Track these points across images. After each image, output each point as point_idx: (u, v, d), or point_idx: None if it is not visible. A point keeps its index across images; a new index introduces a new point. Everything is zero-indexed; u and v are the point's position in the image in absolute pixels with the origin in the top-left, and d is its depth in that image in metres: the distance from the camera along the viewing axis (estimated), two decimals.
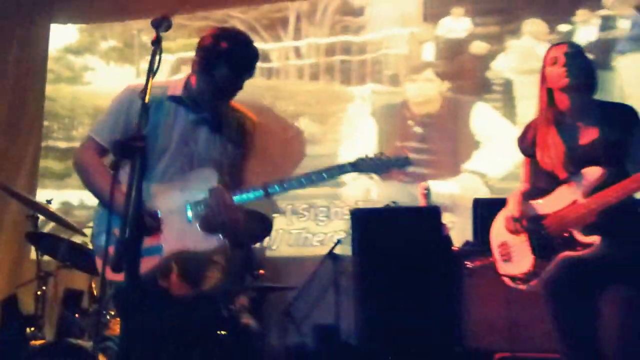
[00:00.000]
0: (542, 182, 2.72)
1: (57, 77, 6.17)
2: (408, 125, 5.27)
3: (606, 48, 4.91)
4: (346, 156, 4.99)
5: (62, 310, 4.60)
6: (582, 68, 2.63)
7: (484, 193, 4.95)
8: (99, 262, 2.41)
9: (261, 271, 4.45)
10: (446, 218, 4.66)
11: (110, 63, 6.09)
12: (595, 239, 2.48)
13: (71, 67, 6.18)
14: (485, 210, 3.98)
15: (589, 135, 2.59)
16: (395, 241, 3.99)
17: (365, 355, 3.97)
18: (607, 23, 4.98)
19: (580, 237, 2.51)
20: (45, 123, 6.05)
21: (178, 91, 2.56)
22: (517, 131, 4.81)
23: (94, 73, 6.12)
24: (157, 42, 2.10)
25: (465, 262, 3.85)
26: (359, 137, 5.35)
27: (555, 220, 2.58)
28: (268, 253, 5.04)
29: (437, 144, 5.18)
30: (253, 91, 5.51)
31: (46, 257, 4.06)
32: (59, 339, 3.93)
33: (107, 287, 2.50)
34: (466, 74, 5.26)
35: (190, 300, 2.46)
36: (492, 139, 5.06)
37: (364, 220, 4.21)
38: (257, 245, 4.59)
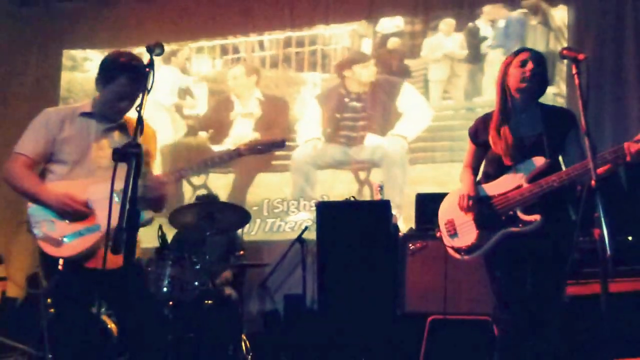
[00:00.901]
0: (490, 168, 2.65)
1: (63, 66, 6.05)
2: (345, 101, 5.38)
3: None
4: (301, 125, 5.43)
5: None
6: (542, 75, 2.56)
7: (405, 149, 5.16)
8: (43, 245, 2.42)
9: (242, 252, 4.43)
10: (377, 173, 5.10)
11: (118, 48, 5.95)
12: (536, 217, 2.44)
13: (74, 58, 6.07)
14: (425, 204, 4.00)
15: (534, 130, 2.54)
16: (352, 228, 4.00)
17: (325, 319, 3.97)
18: (494, 24, 5.14)
19: (522, 215, 2.47)
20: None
21: (87, 108, 2.59)
22: (429, 107, 5.13)
23: (92, 63, 5.98)
24: (150, 65, 2.06)
25: (409, 244, 3.84)
26: (309, 112, 5.47)
27: (501, 200, 2.52)
28: (248, 237, 4.98)
29: (369, 114, 5.30)
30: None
31: None
32: None
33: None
34: (392, 62, 5.37)
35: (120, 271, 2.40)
36: (412, 111, 5.21)
37: (327, 211, 4.18)
38: (239, 231, 4.53)
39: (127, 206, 1.85)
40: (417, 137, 5.16)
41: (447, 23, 5.23)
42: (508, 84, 2.56)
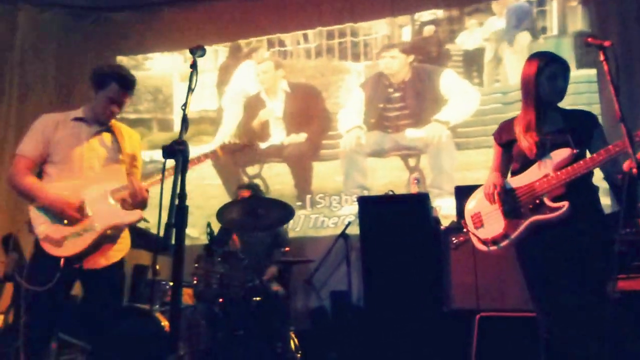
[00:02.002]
0: (517, 164, 2.67)
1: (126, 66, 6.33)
2: (388, 91, 5.50)
3: None
4: (342, 114, 5.57)
5: (132, 282, 4.69)
6: (566, 86, 2.58)
7: (447, 135, 5.24)
8: (44, 245, 2.65)
9: (287, 248, 4.49)
10: (427, 159, 5.21)
11: (164, 52, 6.27)
12: (564, 203, 2.43)
13: (135, 57, 6.40)
14: (466, 196, 3.97)
15: (556, 129, 2.55)
16: (394, 222, 3.99)
17: (371, 315, 3.97)
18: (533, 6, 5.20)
19: (549, 202, 2.47)
20: None
21: (79, 114, 2.84)
22: (476, 90, 5.18)
23: (152, 61, 6.30)
24: (194, 66, 2.16)
25: (452, 238, 3.82)
26: (353, 101, 5.62)
27: (528, 190, 2.54)
28: (292, 234, 5.07)
29: (411, 102, 5.39)
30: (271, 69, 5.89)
31: None
32: (130, 304, 3.99)
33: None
34: (429, 49, 5.46)
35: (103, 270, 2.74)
36: (457, 96, 5.29)
37: (369, 206, 4.18)
38: (284, 227, 4.61)
39: (177, 202, 1.92)
40: (464, 121, 5.20)
41: (499, 3, 5.31)
42: (538, 91, 2.56)
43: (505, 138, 2.71)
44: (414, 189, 4.32)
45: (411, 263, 3.86)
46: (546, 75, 2.54)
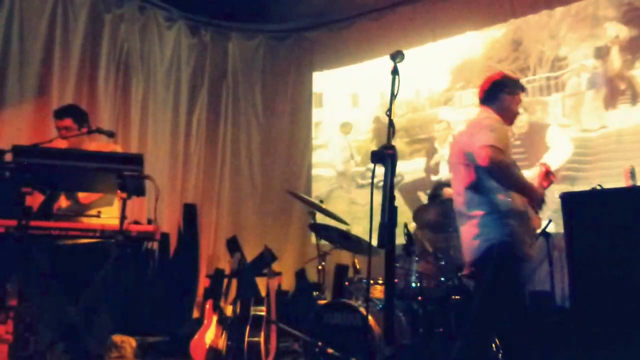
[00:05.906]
0: None
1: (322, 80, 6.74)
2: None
3: None
4: None
5: (334, 279, 4.88)
6: None
7: None
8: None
9: None
10: None
11: (355, 64, 6.40)
12: None
13: (330, 71, 6.68)
14: None
15: None
16: (602, 219, 3.60)
17: (580, 317, 3.62)
18: None
19: None
20: None
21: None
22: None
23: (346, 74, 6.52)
24: (395, 72, 2.18)
25: None
26: None
27: None
28: None
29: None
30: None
31: (323, 242, 4.33)
32: (335, 299, 4.14)
33: None
34: None
35: None
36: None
37: (572, 202, 3.82)
38: None
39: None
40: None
41: None
42: None
43: None
44: (628, 182, 3.85)
45: (626, 263, 3.45)
46: None
